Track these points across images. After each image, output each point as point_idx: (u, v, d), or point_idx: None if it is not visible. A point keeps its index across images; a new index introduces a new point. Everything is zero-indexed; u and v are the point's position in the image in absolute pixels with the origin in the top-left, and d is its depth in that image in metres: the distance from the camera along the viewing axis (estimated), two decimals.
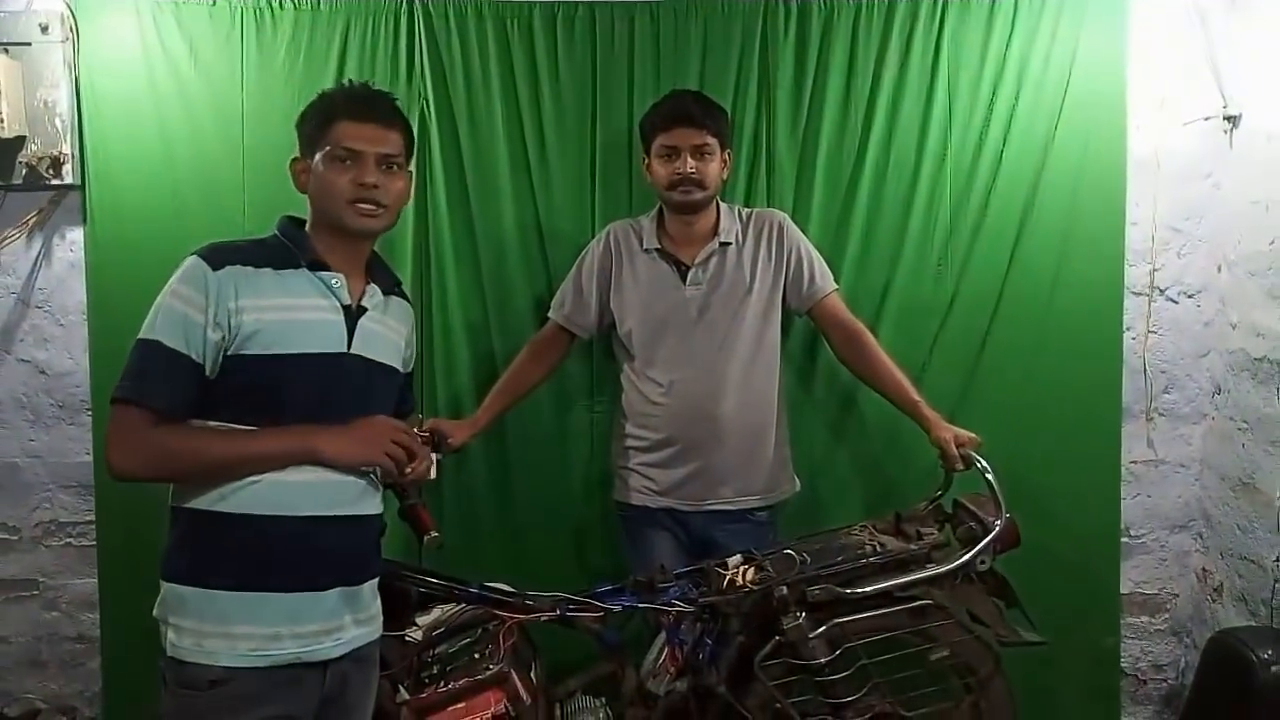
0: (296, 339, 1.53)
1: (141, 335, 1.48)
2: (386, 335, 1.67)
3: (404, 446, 1.58)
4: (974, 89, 2.47)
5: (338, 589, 1.56)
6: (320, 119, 1.61)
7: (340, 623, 1.56)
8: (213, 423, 1.50)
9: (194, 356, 1.47)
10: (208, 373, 1.49)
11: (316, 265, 1.58)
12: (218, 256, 1.52)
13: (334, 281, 1.59)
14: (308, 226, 1.64)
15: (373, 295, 1.65)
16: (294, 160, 1.66)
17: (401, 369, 1.74)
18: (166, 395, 1.46)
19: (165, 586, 1.52)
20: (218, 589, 1.48)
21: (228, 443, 1.48)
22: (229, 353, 1.49)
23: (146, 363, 1.47)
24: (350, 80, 1.72)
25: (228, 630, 1.47)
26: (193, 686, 1.47)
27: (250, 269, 1.53)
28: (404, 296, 1.79)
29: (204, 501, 1.49)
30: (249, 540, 1.49)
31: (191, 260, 1.51)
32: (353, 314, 1.60)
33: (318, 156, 1.59)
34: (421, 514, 1.87)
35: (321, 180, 1.59)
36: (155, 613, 1.53)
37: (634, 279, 2.27)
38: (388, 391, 1.68)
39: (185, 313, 1.47)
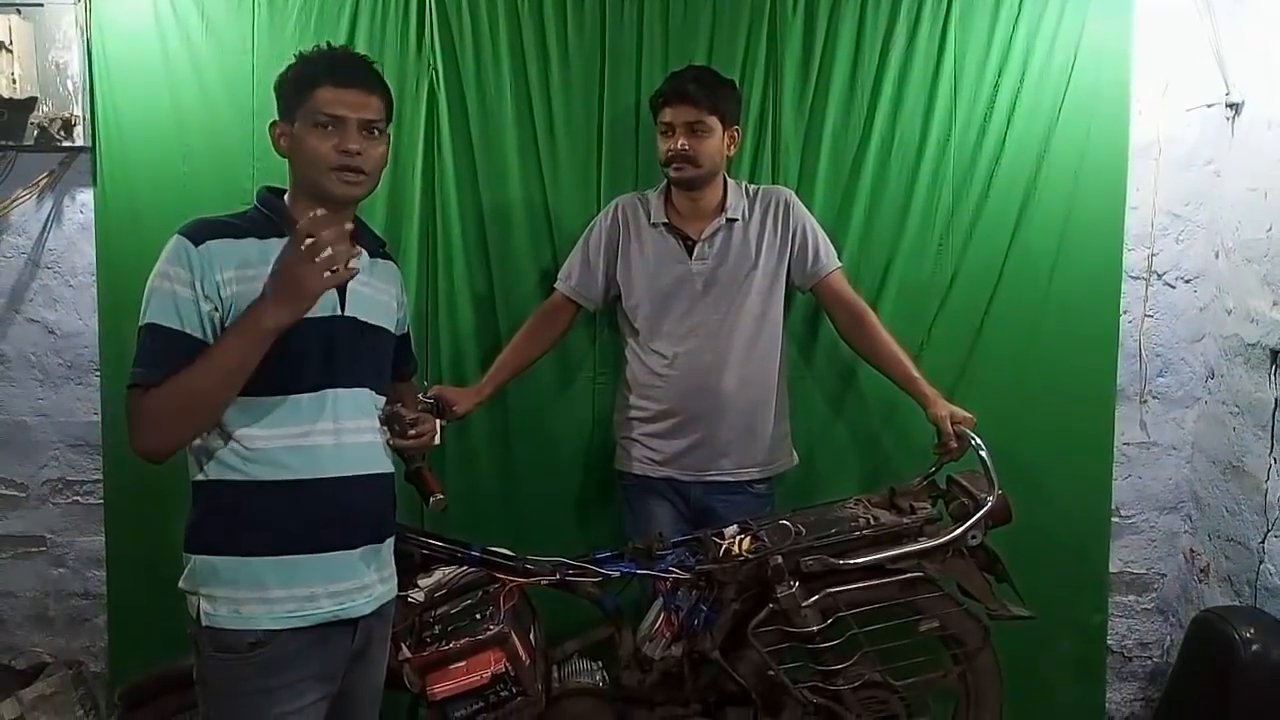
0: None
1: (140, 322, 1.49)
2: (376, 297, 1.68)
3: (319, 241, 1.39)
4: (979, 71, 2.47)
5: (364, 546, 1.60)
6: (300, 83, 1.58)
7: (368, 580, 1.61)
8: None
9: (191, 331, 1.47)
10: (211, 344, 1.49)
11: None
12: (199, 233, 1.51)
13: None
14: (287, 195, 1.63)
15: (360, 258, 1.64)
16: (273, 124, 1.64)
17: (394, 330, 1.75)
18: (170, 373, 1.46)
19: (194, 559, 1.53)
20: (251, 555, 1.51)
21: (201, 364, 1.44)
22: (226, 325, 1.49)
23: (148, 347, 1.48)
24: (329, 43, 1.68)
25: (264, 595, 1.50)
26: (232, 650, 1.50)
27: (232, 240, 1.53)
28: (390, 258, 1.80)
29: (228, 473, 1.52)
30: (278, 506, 1.52)
31: (174, 239, 1.51)
32: None
33: (298, 121, 1.58)
34: (427, 477, 1.94)
35: (303, 146, 1.57)
36: (182, 585, 1.55)
37: (641, 252, 2.29)
38: (383, 353, 1.70)
39: (174, 290, 1.47)
